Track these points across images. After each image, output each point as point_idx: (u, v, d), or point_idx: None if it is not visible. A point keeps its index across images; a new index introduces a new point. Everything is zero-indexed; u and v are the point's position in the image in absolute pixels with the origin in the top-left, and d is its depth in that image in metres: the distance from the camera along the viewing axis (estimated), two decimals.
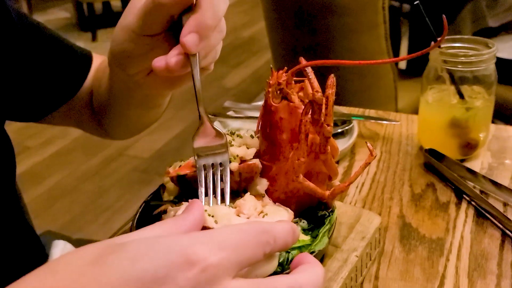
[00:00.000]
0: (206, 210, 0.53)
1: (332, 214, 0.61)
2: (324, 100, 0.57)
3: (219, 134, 0.60)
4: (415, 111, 1.97)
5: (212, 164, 0.60)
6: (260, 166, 0.61)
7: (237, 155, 0.61)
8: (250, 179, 0.61)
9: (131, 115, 0.78)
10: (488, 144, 0.97)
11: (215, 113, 1.08)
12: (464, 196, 0.84)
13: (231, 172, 0.59)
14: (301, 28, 1.80)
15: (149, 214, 0.66)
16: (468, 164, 0.93)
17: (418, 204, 0.83)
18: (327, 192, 0.61)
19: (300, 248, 0.57)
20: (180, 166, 0.65)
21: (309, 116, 0.57)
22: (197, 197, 0.61)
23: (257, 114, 1.08)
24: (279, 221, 0.48)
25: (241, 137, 0.64)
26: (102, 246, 0.38)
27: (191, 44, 0.53)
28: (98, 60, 0.85)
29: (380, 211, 0.82)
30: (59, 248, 1.18)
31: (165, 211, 0.65)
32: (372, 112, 1.14)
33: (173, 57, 0.54)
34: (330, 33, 1.79)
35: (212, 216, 0.53)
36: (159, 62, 0.54)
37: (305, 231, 0.60)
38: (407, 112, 2.09)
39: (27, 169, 2.98)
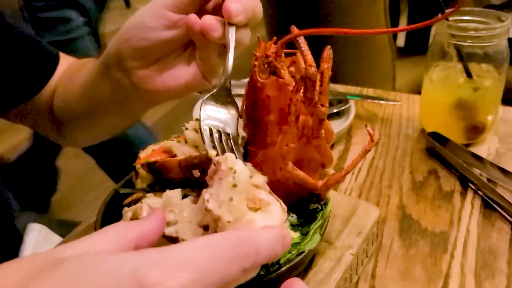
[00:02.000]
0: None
1: (325, 208, 0.53)
2: (318, 76, 0.49)
3: (233, 104, 0.55)
4: (413, 91, 1.89)
5: (219, 133, 0.54)
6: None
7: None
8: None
9: (106, 121, 0.72)
10: (496, 128, 0.90)
11: (202, 91, 0.99)
12: (470, 184, 0.77)
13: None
14: (298, 3, 1.71)
15: (119, 203, 0.59)
16: (473, 150, 0.85)
17: (420, 193, 0.76)
18: (320, 182, 0.54)
19: None
20: (154, 150, 0.57)
21: (301, 94, 0.49)
22: (171, 187, 0.53)
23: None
24: (265, 227, 0.40)
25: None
26: (37, 261, 0.31)
27: (234, 11, 0.53)
28: (66, 63, 0.78)
29: (378, 201, 0.75)
30: (35, 233, 1.10)
31: (136, 201, 0.58)
32: (370, 91, 1.06)
33: (209, 19, 0.54)
34: (328, 8, 1.70)
35: (234, 186, 0.44)
36: (194, 19, 0.54)
37: (294, 226, 0.52)
38: (405, 92, 2.00)
39: (12, 146, 2.89)
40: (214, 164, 0.47)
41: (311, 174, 0.54)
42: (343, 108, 0.94)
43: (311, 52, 0.51)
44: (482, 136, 0.87)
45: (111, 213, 0.57)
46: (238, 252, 0.34)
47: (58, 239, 1.02)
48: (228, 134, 0.55)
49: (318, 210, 0.53)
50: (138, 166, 0.59)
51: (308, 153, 0.53)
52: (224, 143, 0.54)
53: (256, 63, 0.53)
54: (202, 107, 0.55)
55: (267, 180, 0.50)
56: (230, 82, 0.59)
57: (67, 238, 0.73)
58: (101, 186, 2.64)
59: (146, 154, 0.56)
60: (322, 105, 0.49)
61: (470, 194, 0.75)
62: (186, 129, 0.56)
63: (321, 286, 0.52)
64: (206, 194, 0.43)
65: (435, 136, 0.85)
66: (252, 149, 0.55)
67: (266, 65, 0.53)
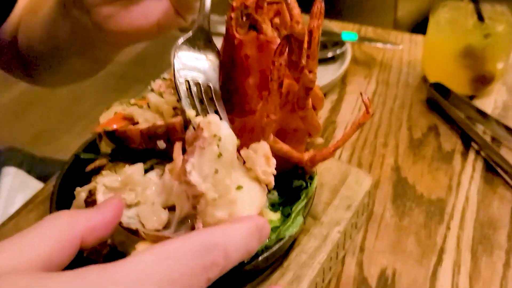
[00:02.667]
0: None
1: (310, 185, 0.47)
2: (306, 36, 0.40)
3: (213, 49, 0.48)
4: (415, 24, 1.76)
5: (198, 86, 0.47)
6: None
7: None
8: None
9: (73, 64, 0.65)
10: (504, 77, 0.82)
11: (181, 28, 0.89)
12: (472, 144, 0.71)
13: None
14: None
15: (80, 170, 0.52)
16: (479, 102, 0.78)
17: (417, 152, 0.70)
18: (306, 155, 0.47)
19: None
20: (117, 113, 0.50)
21: (285, 56, 0.41)
22: (134, 158, 0.46)
23: None
24: (238, 220, 0.34)
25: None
26: None
27: None
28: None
29: (372, 161, 0.68)
30: (10, 177, 1.05)
31: (100, 168, 0.51)
32: (369, 31, 0.96)
33: None
34: None
35: (219, 156, 0.37)
36: None
37: (274, 206, 0.46)
38: (406, 23, 1.86)
39: None
40: (193, 127, 0.40)
41: (296, 145, 0.47)
42: (338, 52, 0.85)
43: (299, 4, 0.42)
44: (489, 87, 0.79)
45: (71, 181, 0.51)
46: (203, 262, 0.29)
47: (36, 184, 0.97)
48: (210, 87, 0.48)
49: (303, 187, 0.47)
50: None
51: (293, 122, 0.46)
52: (205, 99, 0.47)
53: (232, 15, 0.45)
54: (175, 54, 0.48)
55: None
56: (209, 21, 0.51)
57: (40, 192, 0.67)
58: (89, 115, 2.56)
59: (107, 119, 0.48)
60: (310, 71, 0.41)
61: (471, 155, 0.69)
62: (152, 90, 0.49)
63: (303, 270, 0.47)
64: (188, 165, 0.36)
65: (438, 87, 0.77)
66: (227, 116, 0.47)
67: (244, 18, 0.44)
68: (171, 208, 0.42)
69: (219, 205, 0.37)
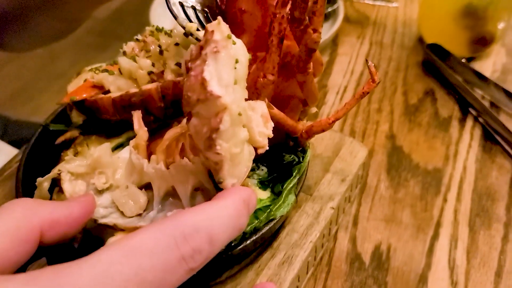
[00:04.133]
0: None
1: (303, 160, 0.43)
2: None
3: None
4: None
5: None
6: None
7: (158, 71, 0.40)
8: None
9: (41, 25, 0.62)
10: (503, 38, 0.77)
11: None
12: (470, 109, 0.67)
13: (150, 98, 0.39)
14: None
15: (49, 142, 0.47)
16: (477, 64, 0.74)
17: (413, 119, 0.66)
18: (301, 125, 0.43)
19: (256, 212, 0.40)
20: (86, 80, 0.44)
21: (287, 10, 0.36)
22: (108, 130, 0.42)
23: None
24: (220, 197, 0.29)
25: (170, 35, 0.43)
26: None
27: None
28: None
29: (365, 128, 0.65)
30: None
31: (71, 141, 0.47)
32: None
33: None
34: None
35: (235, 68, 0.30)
36: None
37: (263, 185, 0.42)
38: None
39: None
40: (197, 40, 0.35)
41: (289, 114, 0.43)
42: (329, 9, 0.79)
43: None
44: (488, 48, 0.75)
45: (40, 156, 0.46)
46: (180, 253, 0.25)
47: (11, 150, 0.92)
48: (206, 11, 0.43)
49: (295, 163, 0.43)
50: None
51: (289, 88, 0.42)
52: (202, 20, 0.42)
53: None
54: None
55: None
56: None
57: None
58: (67, 73, 2.47)
59: (76, 87, 0.43)
60: (315, 30, 0.36)
61: (469, 122, 0.66)
62: (124, 53, 0.43)
63: (295, 250, 0.43)
64: (205, 73, 0.28)
65: (435, 48, 0.73)
66: None
67: None
68: (148, 187, 0.37)
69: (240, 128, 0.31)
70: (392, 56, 0.76)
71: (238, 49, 0.30)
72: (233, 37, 0.30)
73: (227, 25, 0.30)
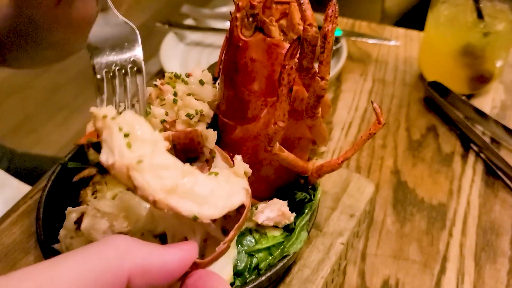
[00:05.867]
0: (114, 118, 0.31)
1: (314, 197, 0.45)
2: (320, 40, 0.38)
3: (125, 25, 0.44)
4: (402, 15, 1.74)
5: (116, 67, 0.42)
6: (207, 134, 0.43)
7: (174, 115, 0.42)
8: (192, 151, 0.43)
9: (36, 55, 0.67)
10: (501, 76, 0.80)
11: (169, 22, 0.86)
12: (472, 145, 0.69)
13: None
14: None
15: (67, 179, 0.49)
16: (476, 101, 0.76)
17: (417, 154, 0.68)
18: (311, 165, 0.45)
19: (269, 249, 0.41)
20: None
21: (296, 60, 0.38)
22: None
23: (224, 24, 0.87)
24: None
25: (187, 83, 0.45)
26: None
27: None
28: None
29: (370, 163, 0.66)
30: None
31: (89, 179, 0.48)
32: (363, 26, 0.94)
33: None
34: None
35: (126, 136, 0.31)
36: None
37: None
38: (393, 14, 1.84)
39: None
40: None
41: (299, 154, 0.45)
42: (333, 48, 0.82)
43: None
44: (487, 85, 0.78)
45: (58, 192, 0.48)
46: None
47: (17, 184, 0.93)
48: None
49: (306, 200, 0.44)
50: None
51: (298, 130, 0.44)
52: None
53: (238, 15, 0.42)
54: (88, 43, 0.44)
55: None
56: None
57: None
58: (70, 105, 2.50)
59: (88, 133, 0.45)
60: (322, 78, 0.38)
61: (471, 157, 0.67)
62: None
63: (307, 285, 0.45)
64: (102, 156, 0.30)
65: (435, 86, 0.75)
66: (228, 122, 0.45)
67: (250, 19, 0.41)
68: (162, 237, 0.38)
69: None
70: (394, 93, 0.79)
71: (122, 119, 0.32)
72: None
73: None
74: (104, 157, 0.29)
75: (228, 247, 0.33)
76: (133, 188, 0.30)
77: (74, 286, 0.25)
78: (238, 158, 0.38)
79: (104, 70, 0.42)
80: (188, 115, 0.43)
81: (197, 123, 0.43)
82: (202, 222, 0.34)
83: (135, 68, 0.43)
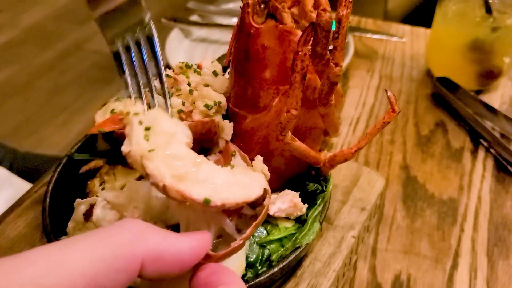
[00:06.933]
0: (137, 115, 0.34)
1: (326, 188, 0.44)
2: (335, 25, 0.37)
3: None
4: (405, 15, 1.73)
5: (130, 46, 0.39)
6: (223, 125, 0.42)
7: (191, 106, 0.41)
8: (207, 141, 0.42)
9: None
10: (510, 72, 0.79)
11: (174, 17, 0.85)
12: (481, 140, 0.68)
13: None
14: None
15: (74, 171, 0.48)
16: (485, 97, 0.76)
17: (425, 150, 0.67)
18: (323, 155, 0.44)
19: (281, 240, 0.41)
20: (113, 110, 0.45)
21: (309, 47, 0.37)
22: None
23: (230, 20, 0.86)
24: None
25: (199, 73, 0.44)
26: None
27: None
28: None
29: (379, 159, 0.66)
30: None
31: (96, 170, 0.47)
32: (369, 23, 0.93)
33: None
34: None
35: (147, 129, 0.33)
36: None
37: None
38: (396, 14, 1.84)
39: None
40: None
41: (311, 145, 0.44)
42: None
43: None
44: (495, 81, 0.77)
45: (64, 184, 0.47)
46: None
47: (19, 182, 0.92)
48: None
49: (318, 191, 0.43)
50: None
51: (311, 120, 0.43)
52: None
53: (249, 1, 0.41)
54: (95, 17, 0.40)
55: None
56: None
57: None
58: (71, 106, 2.49)
59: (103, 119, 0.44)
60: (336, 64, 0.37)
61: (481, 153, 0.67)
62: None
63: (319, 279, 0.44)
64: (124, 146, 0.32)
65: (443, 81, 0.75)
66: (239, 111, 0.44)
67: (262, 5, 0.41)
68: (175, 228, 0.37)
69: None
70: (401, 89, 0.78)
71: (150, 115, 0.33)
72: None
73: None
74: (124, 147, 0.31)
75: (243, 244, 0.33)
76: (146, 177, 0.30)
77: (86, 271, 0.24)
78: (259, 158, 0.38)
79: (119, 44, 0.39)
80: (206, 106, 0.42)
81: (215, 114, 0.42)
82: (217, 215, 0.33)
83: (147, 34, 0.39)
